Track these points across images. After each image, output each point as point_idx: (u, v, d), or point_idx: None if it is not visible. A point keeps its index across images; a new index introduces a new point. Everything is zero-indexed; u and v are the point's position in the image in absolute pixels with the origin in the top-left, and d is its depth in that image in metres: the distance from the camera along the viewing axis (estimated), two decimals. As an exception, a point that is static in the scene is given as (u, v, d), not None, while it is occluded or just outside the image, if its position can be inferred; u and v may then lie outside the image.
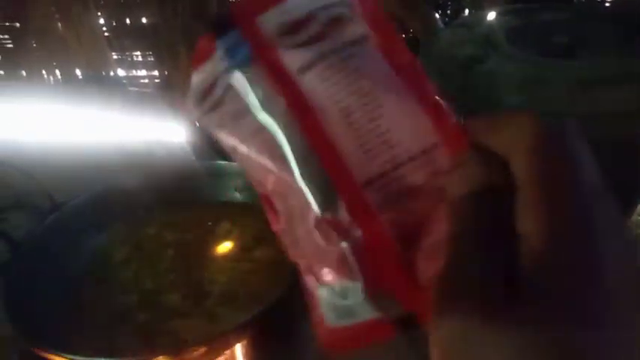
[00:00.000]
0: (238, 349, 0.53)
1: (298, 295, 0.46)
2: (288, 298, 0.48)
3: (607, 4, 0.79)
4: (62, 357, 0.42)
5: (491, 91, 0.69)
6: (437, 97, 0.20)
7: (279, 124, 0.20)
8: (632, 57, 0.65)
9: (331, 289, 0.20)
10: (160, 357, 0.43)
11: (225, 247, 0.62)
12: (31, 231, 0.57)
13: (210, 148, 0.85)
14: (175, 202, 0.69)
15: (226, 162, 0.70)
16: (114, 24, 1.36)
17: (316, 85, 0.20)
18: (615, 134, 0.58)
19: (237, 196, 0.69)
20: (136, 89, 1.38)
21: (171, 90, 1.27)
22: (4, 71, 1.49)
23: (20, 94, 1.37)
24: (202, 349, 0.45)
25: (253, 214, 0.66)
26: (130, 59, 1.38)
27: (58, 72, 1.45)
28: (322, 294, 0.20)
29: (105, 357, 0.43)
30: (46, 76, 1.46)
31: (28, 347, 0.52)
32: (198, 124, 0.88)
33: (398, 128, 0.19)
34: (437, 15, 1.02)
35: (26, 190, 0.76)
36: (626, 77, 0.62)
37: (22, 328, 0.46)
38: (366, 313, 0.19)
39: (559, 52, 0.68)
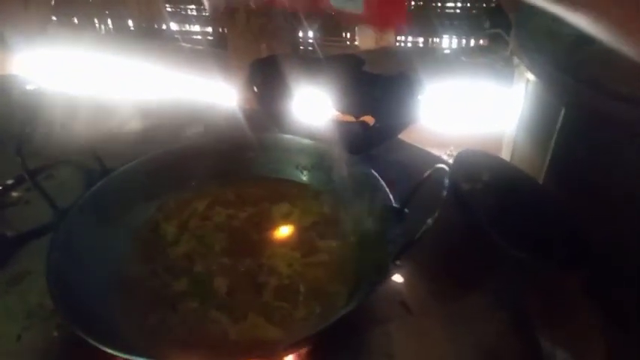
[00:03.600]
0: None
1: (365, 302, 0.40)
2: (357, 306, 0.41)
3: None
4: (99, 346, 0.36)
5: (603, 75, 0.59)
6: None
7: None
8: None
9: None
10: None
11: (283, 232, 0.56)
12: (79, 197, 0.51)
13: (271, 117, 0.78)
14: (229, 175, 0.63)
15: (292, 136, 0.62)
16: (170, -26, 1.29)
17: None
18: None
19: (301, 175, 0.62)
20: (189, 45, 1.32)
21: (225, 49, 1.20)
22: (57, 17, 1.45)
23: (72, 41, 1.34)
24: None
25: (318, 198, 0.59)
26: (183, 12, 1.31)
27: (110, 21, 1.40)
28: None
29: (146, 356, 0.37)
30: (97, 25, 1.42)
31: (67, 325, 0.48)
32: (257, 90, 0.80)
33: None
34: None
35: (75, 149, 0.71)
36: None
37: (63, 304, 0.41)
38: None
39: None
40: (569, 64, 0.61)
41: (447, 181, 0.40)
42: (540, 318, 0.54)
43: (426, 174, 0.42)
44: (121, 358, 0.38)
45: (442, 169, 0.41)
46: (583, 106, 0.61)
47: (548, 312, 0.55)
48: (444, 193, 0.40)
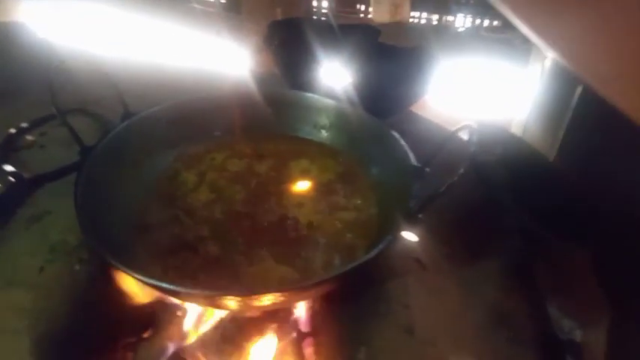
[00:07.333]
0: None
1: (383, 253, 0.41)
2: (375, 255, 0.42)
3: None
4: (127, 272, 0.37)
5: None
6: None
7: None
8: None
9: None
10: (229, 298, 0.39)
11: (302, 186, 0.57)
12: (102, 136, 0.51)
13: (287, 78, 0.78)
14: (247, 130, 0.63)
15: (312, 95, 0.63)
16: None
17: None
18: None
19: (321, 134, 0.63)
20: (201, 7, 1.30)
21: (237, 13, 1.19)
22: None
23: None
24: (278, 296, 0.40)
25: (336, 157, 0.60)
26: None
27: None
28: None
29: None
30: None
31: (92, 255, 0.49)
32: (274, 51, 0.80)
33: None
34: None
35: (96, 95, 0.71)
36: None
37: (91, 233, 0.41)
38: None
39: None
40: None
41: (474, 137, 0.41)
42: (549, 288, 0.55)
43: (454, 130, 0.43)
44: (143, 284, 0.39)
45: (470, 126, 0.42)
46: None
47: (557, 283, 0.57)
48: (472, 149, 0.40)
